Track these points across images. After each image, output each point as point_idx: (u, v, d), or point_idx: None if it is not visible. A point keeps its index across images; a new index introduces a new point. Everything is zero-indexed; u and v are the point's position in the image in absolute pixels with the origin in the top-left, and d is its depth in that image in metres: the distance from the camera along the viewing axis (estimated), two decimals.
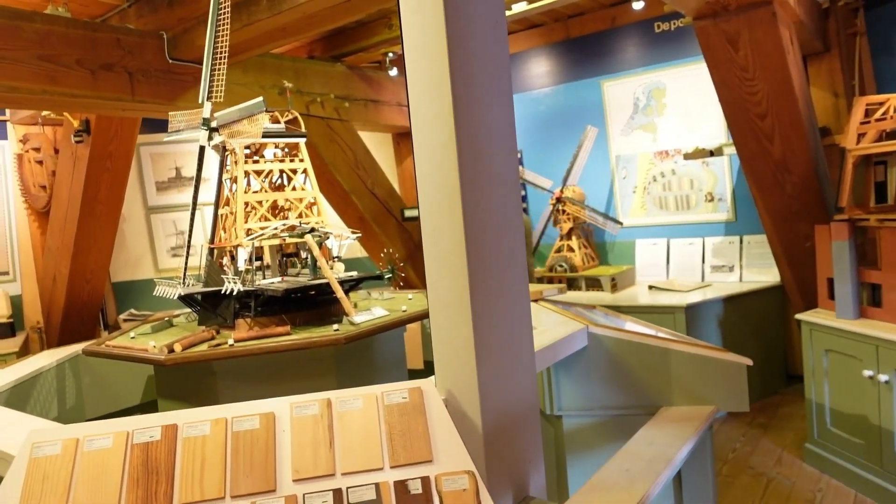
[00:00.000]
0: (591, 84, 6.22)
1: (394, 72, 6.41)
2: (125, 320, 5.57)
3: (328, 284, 2.85)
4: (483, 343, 1.79)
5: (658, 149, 5.92)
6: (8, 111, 5.65)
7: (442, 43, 1.71)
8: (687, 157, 5.45)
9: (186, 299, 2.96)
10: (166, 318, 3.21)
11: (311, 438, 1.69)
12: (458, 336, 1.80)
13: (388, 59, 6.31)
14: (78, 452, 1.60)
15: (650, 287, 5.51)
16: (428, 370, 3.49)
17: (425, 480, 1.61)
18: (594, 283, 5.69)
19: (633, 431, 2.47)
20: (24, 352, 5.14)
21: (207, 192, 3.45)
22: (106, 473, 1.57)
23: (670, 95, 5.79)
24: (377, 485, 1.59)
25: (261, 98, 2.95)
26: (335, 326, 2.74)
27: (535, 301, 3.51)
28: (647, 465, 2.16)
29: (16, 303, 5.64)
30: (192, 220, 3.12)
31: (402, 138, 7.47)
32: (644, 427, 2.51)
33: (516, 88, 6.52)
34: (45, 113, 5.32)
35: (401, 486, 1.60)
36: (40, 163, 5.66)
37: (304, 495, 1.57)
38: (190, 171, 6.34)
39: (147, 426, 1.67)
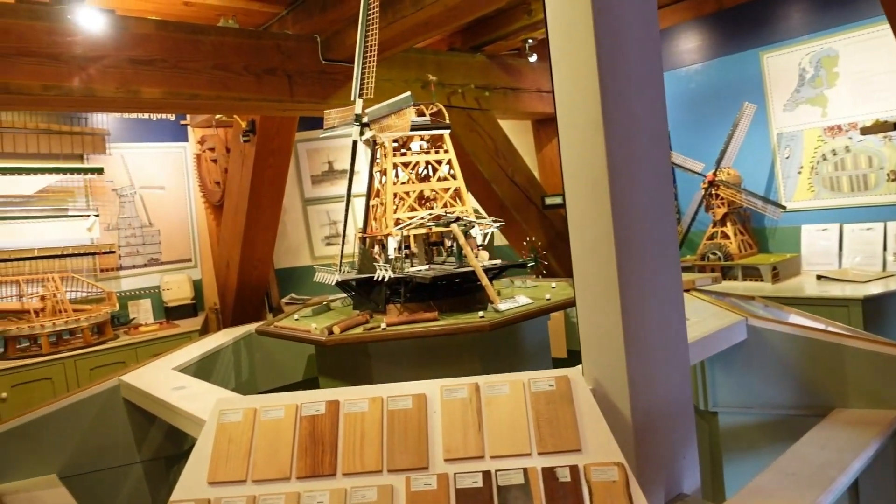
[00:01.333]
0: (748, 57, 5.73)
1: (533, 58, 6.33)
2: (286, 303, 6.08)
3: (473, 272, 2.91)
4: (633, 333, 1.74)
5: (828, 124, 5.33)
6: (188, 116, 6.37)
7: (588, 25, 1.67)
8: (864, 131, 4.85)
9: (342, 285, 3.17)
10: (324, 303, 3.46)
11: (460, 420, 1.74)
12: (606, 325, 1.76)
13: (527, 46, 6.23)
14: (256, 420, 1.79)
15: (819, 277, 5.00)
16: (572, 359, 3.45)
17: (573, 469, 1.60)
18: (752, 273, 5.27)
19: (798, 434, 2.27)
20: (205, 330, 5.80)
21: (358, 185, 3.66)
22: (279, 440, 1.74)
23: (843, 64, 5.17)
24: (525, 469, 1.61)
25: (408, 93, 3.06)
26: (480, 313, 2.80)
27: (687, 291, 3.33)
28: (817, 470, 1.98)
29: (197, 286, 6.40)
30: (346, 211, 3.33)
31: (542, 125, 7.37)
32: (814, 429, 2.30)
33: (664, 66, 6.17)
34: (218, 116, 5.92)
35: (549, 472, 1.60)
36: (215, 161, 6.33)
37: (454, 474, 1.63)
38: (341, 164, 6.75)
39: (313, 401, 1.82)
